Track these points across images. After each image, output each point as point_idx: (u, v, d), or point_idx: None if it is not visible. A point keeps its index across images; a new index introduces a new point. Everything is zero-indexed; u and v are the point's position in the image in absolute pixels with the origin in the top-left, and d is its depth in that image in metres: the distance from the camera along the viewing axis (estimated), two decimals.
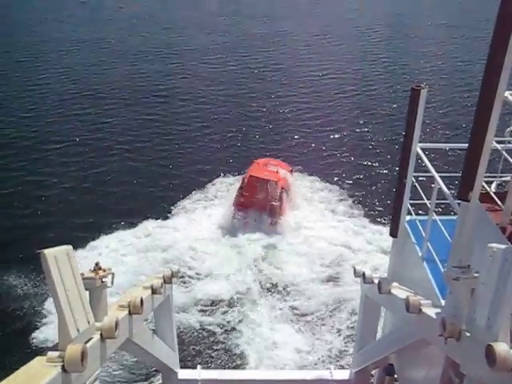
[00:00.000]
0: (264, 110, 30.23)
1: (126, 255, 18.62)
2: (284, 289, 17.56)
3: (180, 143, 27.49)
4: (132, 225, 20.36)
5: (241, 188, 20.09)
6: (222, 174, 23.81)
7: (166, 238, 19.49)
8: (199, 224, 20.42)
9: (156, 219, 20.67)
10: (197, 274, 18.04)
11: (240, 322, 16.09)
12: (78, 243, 17.55)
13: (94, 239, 19.12)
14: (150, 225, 20.33)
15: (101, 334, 4.56)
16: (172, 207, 21.59)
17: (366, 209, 21.45)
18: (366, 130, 27.79)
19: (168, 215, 21.10)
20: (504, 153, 6.66)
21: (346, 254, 18.76)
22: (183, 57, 40.61)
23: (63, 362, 3.78)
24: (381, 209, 21.32)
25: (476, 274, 4.65)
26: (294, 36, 45.74)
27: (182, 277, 17.39)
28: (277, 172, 20.54)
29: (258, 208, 19.74)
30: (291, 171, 22.37)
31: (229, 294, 17.19)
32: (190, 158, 25.83)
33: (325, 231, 19.91)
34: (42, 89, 33.57)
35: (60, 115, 29.63)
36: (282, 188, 20.02)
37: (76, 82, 35.03)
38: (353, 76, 35.82)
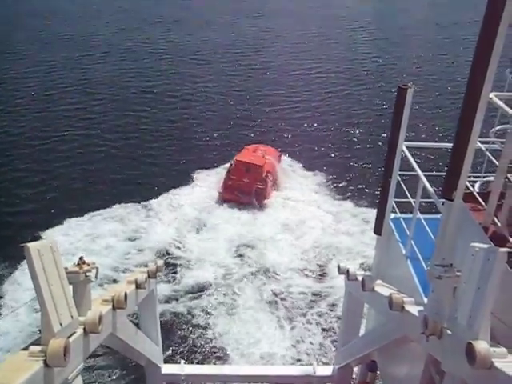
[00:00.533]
0: (255, 106, 30.24)
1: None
2: (266, 272, 17.83)
3: (167, 134, 27.84)
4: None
5: (228, 172, 20.98)
6: (212, 162, 24.28)
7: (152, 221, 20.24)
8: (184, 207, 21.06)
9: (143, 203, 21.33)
10: (182, 259, 18.32)
11: (223, 311, 16.23)
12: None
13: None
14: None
15: (84, 329, 4.55)
16: (158, 192, 22.17)
17: (349, 193, 22.32)
18: (354, 127, 27.94)
19: (155, 199, 21.68)
20: (488, 153, 6.72)
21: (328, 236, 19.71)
22: (175, 51, 40.46)
23: (45, 356, 3.77)
24: (364, 195, 21.97)
25: (458, 273, 4.70)
26: (284, 34, 45.70)
27: (167, 265, 17.64)
28: (263, 157, 21.42)
29: (245, 190, 20.49)
30: (279, 156, 23.34)
31: (213, 281, 17.39)
32: (183, 148, 26.33)
33: (308, 209, 20.96)
34: (23, 83, 33.19)
35: (45, 110, 29.34)
36: (267, 172, 20.89)
37: (63, 75, 34.78)
38: (341, 75, 35.92)
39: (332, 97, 32.05)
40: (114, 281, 16.09)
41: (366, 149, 25.59)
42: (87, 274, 4.89)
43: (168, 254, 18.48)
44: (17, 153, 25.04)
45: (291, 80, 34.22)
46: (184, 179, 22.84)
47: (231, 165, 21.13)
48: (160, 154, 25.64)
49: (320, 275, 17.84)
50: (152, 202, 21.38)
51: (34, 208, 20.74)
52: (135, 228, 19.84)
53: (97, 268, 5.06)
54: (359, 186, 22.51)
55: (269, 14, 52.63)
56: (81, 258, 4.88)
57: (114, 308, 5.48)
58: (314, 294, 17.01)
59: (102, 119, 29.01)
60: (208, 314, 16.11)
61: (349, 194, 22.19)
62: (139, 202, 21.26)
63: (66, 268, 4.53)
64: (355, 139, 26.70)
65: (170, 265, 17.85)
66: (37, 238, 18.15)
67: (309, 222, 20.35)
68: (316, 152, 25.31)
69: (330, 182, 22.97)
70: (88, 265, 4.92)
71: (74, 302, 4.41)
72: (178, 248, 18.83)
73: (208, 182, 22.64)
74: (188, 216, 20.66)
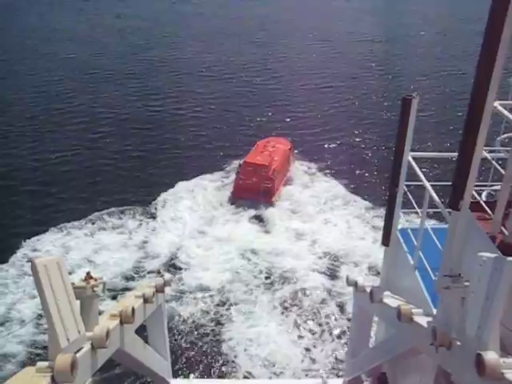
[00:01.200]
0: (262, 119, 30.34)
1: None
2: (278, 279, 17.78)
3: (180, 132, 28.62)
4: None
5: (238, 173, 22.31)
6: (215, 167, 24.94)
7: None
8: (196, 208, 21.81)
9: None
10: (189, 266, 18.30)
11: (234, 321, 16.02)
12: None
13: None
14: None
15: (91, 344, 4.54)
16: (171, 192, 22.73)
17: (358, 195, 22.69)
18: (360, 138, 27.90)
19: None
20: (494, 162, 6.70)
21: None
22: (180, 65, 40.82)
23: (53, 372, 3.76)
24: (373, 202, 22.06)
25: (466, 283, 4.67)
26: (288, 42, 45.88)
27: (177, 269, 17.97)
28: (269, 155, 22.62)
29: (253, 190, 21.62)
30: (290, 148, 24.58)
31: (222, 289, 17.27)
32: (198, 145, 27.23)
33: (320, 216, 21.36)
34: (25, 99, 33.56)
35: (48, 128, 29.56)
36: (274, 170, 22.04)
37: (63, 73, 35.10)
38: (347, 84, 35.96)
39: (336, 106, 32.07)
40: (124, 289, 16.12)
41: (373, 162, 25.57)
42: (94, 288, 4.89)
43: (175, 261, 18.43)
44: (18, 162, 25.29)
45: (297, 94, 34.29)
46: (190, 184, 23.37)
47: (240, 166, 22.41)
48: (165, 157, 25.99)
49: (333, 279, 17.77)
50: (159, 207, 21.56)
51: (30, 216, 20.79)
52: (140, 234, 19.83)
53: (104, 283, 5.06)
54: (369, 193, 22.58)
55: (271, 27, 52.85)
56: (88, 273, 4.89)
57: (121, 323, 5.47)
58: (328, 300, 16.92)
59: (105, 125, 29.33)
60: (218, 323, 15.92)
61: (359, 200, 22.39)
62: (144, 207, 21.43)
63: (72, 283, 4.54)
64: (363, 152, 26.69)
65: (176, 272, 17.82)
66: (37, 248, 18.49)
67: (321, 227, 20.56)
68: (324, 162, 25.35)
69: (340, 188, 23.25)
70: (95, 280, 4.92)
71: (81, 318, 4.41)
72: (186, 255, 18.78)
73: (214, 186, 23.24)
74: (194, 221, 20.80)
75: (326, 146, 27.05)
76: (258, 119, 29.99)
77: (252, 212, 21.51)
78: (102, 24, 51.47)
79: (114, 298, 15.62)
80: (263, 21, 53.86)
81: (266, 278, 17.91)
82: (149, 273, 17.71)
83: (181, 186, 23.07)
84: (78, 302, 4.58)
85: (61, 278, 4.11)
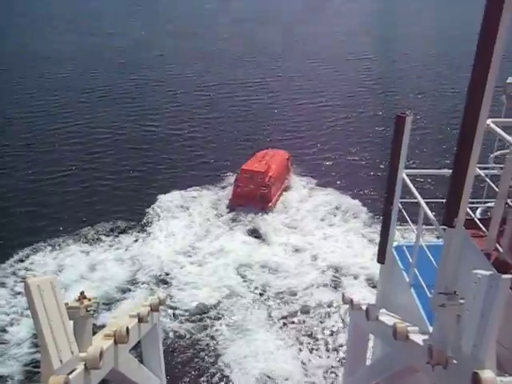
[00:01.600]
0: (259, 138, 30.48)
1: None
2: (276, 294, 17.64)
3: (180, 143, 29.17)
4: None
5: (236, 180, 22.84)
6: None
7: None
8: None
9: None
10: (184, 281, 18.13)
11: (230, 338, 15.79)
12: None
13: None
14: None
15: (85, 365, 4.50)
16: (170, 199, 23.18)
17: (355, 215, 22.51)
18: (356, 155, 27.94)
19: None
20: (487, 179, 6.73)
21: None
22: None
23: None
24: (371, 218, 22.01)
25: (462, 301, 4.66)
26: (285, 62, 46.18)
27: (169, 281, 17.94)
28: (266, 163, 23.19)
29: (251, 196, 22.23)
30: (288, 158, 25.05)
31: (218, 304, 17.08)
32: (203, 155, 27.87)
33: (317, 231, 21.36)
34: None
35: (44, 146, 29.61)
36: (270, 177, 22.58)
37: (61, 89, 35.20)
38: (343, 102, 36.11)
39: (330, 124, 32.12)
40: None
41: (373, 173, 25.66)
42: (88, 308, 4.86)
43: (169, 277, 18.25)
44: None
45: (293, 112, 34.41)
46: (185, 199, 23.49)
47: (238, 174, 22.98)
48: (160, 173, 26.18)
49: (331, 292, 17.64)
50: (154, 222, 21.52)
51: (22, 229, 20.74)
52: (135, 250, 19.71)
53: (97, 302, 5.03)
54: (367, 208, 22.61)
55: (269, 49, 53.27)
56: (81, 293, 4.86)
57: (115, 343, 5.42)
58: (327, 315, 16.74)
59: (101, 144, 29.38)
60: (214, 340, 15.67)
61: (357, 214, 22.42)
62: (139, 223, 21.43)
63: (66, 303, 4.51)
64: (361, 164, 26.80)
65: (171, 287, 17.67)
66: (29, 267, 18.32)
67: (319, 240, 20.54)
68: (322, 177, 25.40)
69: (338, 201, 23.25)
70: (89, 299, 4.89)
71: (74, 338, 4.38)
72: (181, 270, 18.63)
73: (210, 200, 23.37)
74: (190, 236, 20.72)
75: (323, 162, 27.13)
76: (255, 137, 30.03)
77: (248, 225, 21.56)
78: (98, 44, 51.74)
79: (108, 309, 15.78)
80: (260, 40, 54.22)
81: (261, 293, 17.71)
82: (143, 285, 17.68)
83: (176, 201, 23.12)
84: (72, 322, 4.55)
85: (54, 298, 4.09)
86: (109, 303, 16.51)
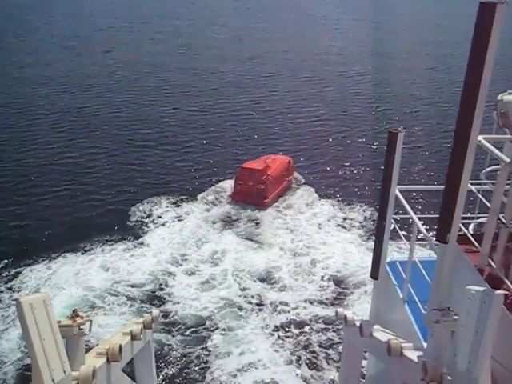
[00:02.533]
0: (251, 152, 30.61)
1: None
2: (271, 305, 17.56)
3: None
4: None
5: (236, 178, 24.27)
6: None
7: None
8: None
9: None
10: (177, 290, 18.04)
11: (224, 350, 15.53)
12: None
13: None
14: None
15: None
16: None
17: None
18: (350, 170, 28.00)
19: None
20: (479, 195, 6.76)
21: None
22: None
23: None
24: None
25: (456, 317, 4.66)
26: (277, 81, 46.38)
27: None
28: (264, 162, 24.56)
29: (249, 193, 23.64)
30: (289, 162, 25.95)
31: (212, 311, 17.04)
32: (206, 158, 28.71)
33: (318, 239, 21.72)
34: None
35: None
36: (268, 175, 23.82)
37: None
38: (336, 119, 36.21)
39: (321, 140, 32.21)
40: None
41: (367, 188, 25.73)
42: (81, 327, 4.83)
43: (161, 287, 18.16)
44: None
45: (287, 130, 34.51)
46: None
47: (238, 172, 24.34)
48: (150, 183, 26.27)
49: (329, 304, 17.60)
50: (146, 234, 21.50)
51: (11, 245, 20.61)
52: (127, 262, 19.57)
53: (91, 321, 5.00)
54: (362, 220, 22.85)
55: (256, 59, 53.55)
56: (74, 311, 4.83)
57: (108, 361, 5.37)
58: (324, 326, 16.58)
59: (91, 160, 29.24)
60: (209, 353, 15.38)
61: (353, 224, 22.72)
62: (131, 235, 21.42)
63: (59, 321, 4.47)
64: (356, 179, 26.87)
65: (164, 299, 17.56)
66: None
67: (316, 249, 20.71)
68: (322, 190, 25.62)
69: (333, 214, 23.51)
70: (81, 318, 4.86)
71: (66, 357, 4.34)
72: (173, 280, 18.53)
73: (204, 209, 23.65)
74: (182, 245, 20.71)
75: (320, 175, 27.40)
76: (245, 158, 30.09)
77: (244, 231, 21.87)
78: (95, 64, 51.81)
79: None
80: (250, 59, 54.53)
81: (258, 304, 17.55)
82: (134, 299, 17.58)
83: (171, 208, 23.46)
84: (64, 340, 4.51)
85: (47, 317, 4.05)
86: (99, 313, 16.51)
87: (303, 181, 26.35)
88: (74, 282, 18.22)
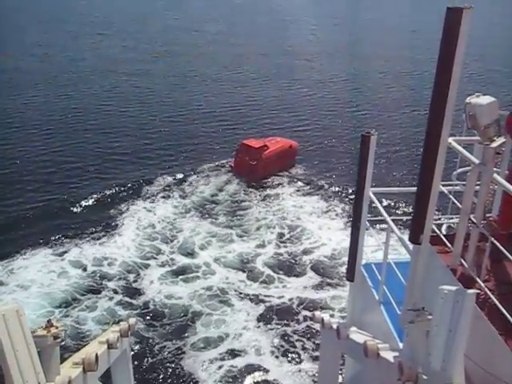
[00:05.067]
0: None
1: None
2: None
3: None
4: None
5: (236, 152, 26.47)
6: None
7: None
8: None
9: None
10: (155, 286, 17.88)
11: (206, 349, 15.22)
12: None
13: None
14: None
15: None
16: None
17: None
18: (323, 172, 28.11)
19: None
20: (451, 196, 6.86)
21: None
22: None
23: None
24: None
25: (430, 317, 4.72)
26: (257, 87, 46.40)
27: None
28: (263, 143, 26.46)
29: (244, 168, 25.74)
30: (291, 146, 27.69)
31: (194, 307, 16.84)
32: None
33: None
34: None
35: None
36: (262, 153, 25.81)
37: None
38: (307, 123, 36.36)
39: (309, 141, 32.35)
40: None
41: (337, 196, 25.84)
42: (55, 336, 4.76)
43: (136, 284, 17.93)
44: None
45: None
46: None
47: (238, 146, 26.44)
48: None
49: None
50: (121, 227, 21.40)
51: None
52: (102, 257, 19.29)
53: (65, 330, 4.94)
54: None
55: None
56: (49, 321, 4.76)
57: (84, 371, 5.31)
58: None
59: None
60: (187, 359, 14.91)
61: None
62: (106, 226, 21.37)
63: (33, 331, 4.41)
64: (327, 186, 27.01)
65: (140, 296, 17.32)
66: None
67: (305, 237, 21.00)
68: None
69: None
70: (56, 327, 4.79)
71: (41, 368, 4.27)
72: (151, 276, 18.32)
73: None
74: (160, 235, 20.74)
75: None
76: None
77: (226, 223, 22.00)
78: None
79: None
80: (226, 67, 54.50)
81: (241, 297, 17.37)
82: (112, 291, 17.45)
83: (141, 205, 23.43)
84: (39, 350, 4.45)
85: (20, 328, 3.99)
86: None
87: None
88: (43, 276, 17.88)
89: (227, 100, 39.31)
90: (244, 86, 44.17)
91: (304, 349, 15.37)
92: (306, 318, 16.45)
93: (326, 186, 25.42)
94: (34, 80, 42.37)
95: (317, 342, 15.14)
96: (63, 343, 4.91)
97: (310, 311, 16.35)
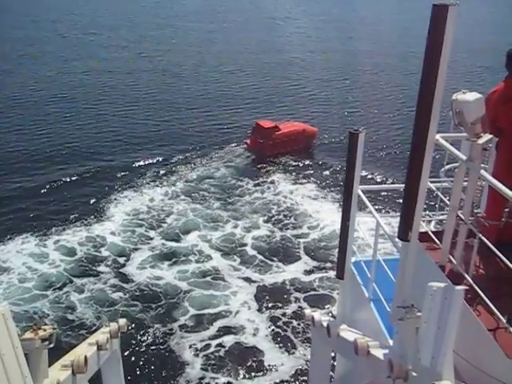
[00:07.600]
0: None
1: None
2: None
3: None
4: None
5: (252, 130, 28.69)
6: None
7: None
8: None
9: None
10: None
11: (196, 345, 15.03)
12: None
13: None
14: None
15: None
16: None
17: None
18: (312, 171, 28.14)
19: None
20: (439, 193, 6.89)
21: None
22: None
23: None
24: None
25: (419, 314, 4.74)
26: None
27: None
28: (275, 125, 28.26)
29: (255, 144, 27.95)
30: (304, 130, 29.35)
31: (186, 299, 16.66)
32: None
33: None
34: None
35: None
36: (272, 133, 27.76)
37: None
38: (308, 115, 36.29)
39: None
40: None
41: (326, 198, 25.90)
42: (43, 339, 4.71)
43: (124, 269, 17.94)
44: None
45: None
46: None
47: (254, 127, 28.50)
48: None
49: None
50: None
51: None
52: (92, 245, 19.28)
53: (53, 333, 4.89)
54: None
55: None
56: (36, 324, 4.71)
57: (73, 373, 5.27)
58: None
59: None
60: (181, 358, 14.64)
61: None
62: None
63: (19, 334, 4.36)
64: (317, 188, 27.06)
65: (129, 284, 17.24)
66: None
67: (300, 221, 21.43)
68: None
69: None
70: (44, 330, 4.75)
71: (29, 372, 4.23)
72: (140, 264, 18.27)
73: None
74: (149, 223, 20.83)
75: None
76: None
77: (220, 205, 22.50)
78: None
79: None
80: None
81: (236, 291, 17.11)
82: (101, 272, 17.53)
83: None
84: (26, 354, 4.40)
85: (6, 331, 3.94)
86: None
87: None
88: (28, 260, 17.91)
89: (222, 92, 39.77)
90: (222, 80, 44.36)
91: (295, 332, 15.42)
92: (297, 300, 16.60)
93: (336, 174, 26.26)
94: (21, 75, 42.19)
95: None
96: (51, 346, 4.84)
97: (303, 293, 16.75)
